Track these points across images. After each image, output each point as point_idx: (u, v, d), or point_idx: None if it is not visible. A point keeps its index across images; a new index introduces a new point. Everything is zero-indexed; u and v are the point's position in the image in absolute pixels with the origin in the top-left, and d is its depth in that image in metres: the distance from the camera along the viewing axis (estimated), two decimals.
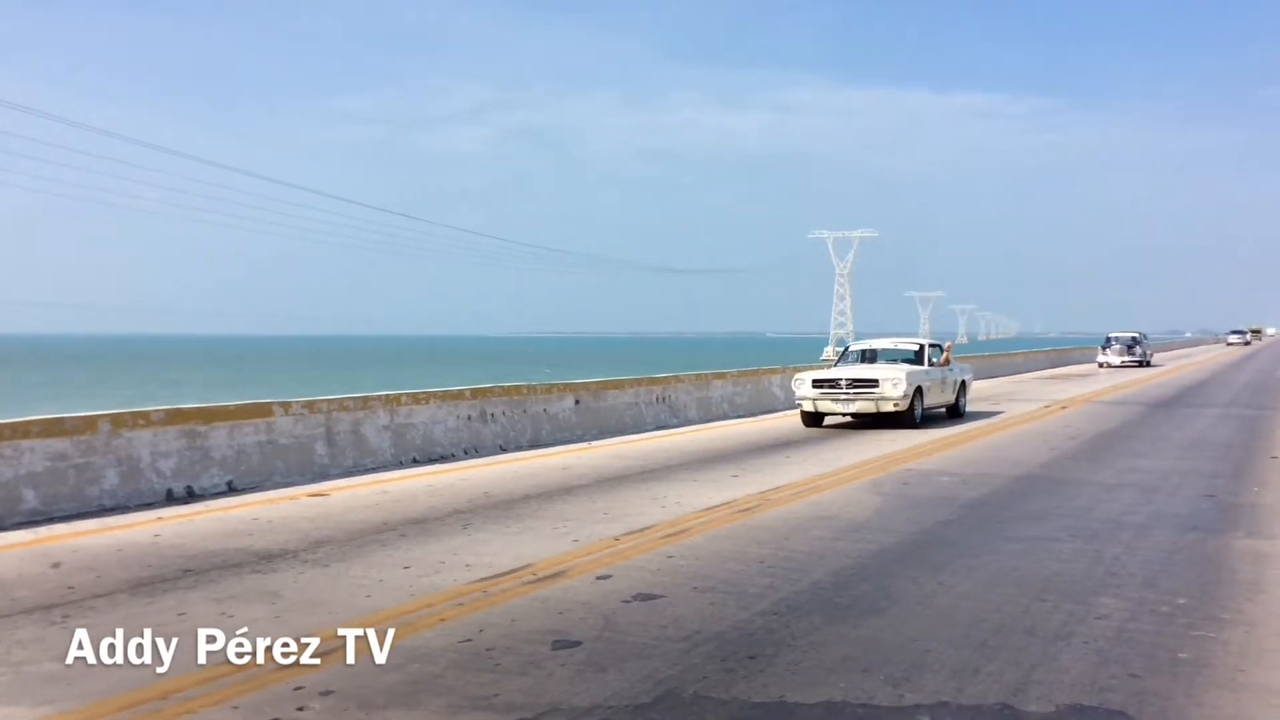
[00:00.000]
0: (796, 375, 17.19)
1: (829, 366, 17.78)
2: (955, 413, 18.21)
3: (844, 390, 16.17)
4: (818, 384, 16.45)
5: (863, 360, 17.94)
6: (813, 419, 16.58)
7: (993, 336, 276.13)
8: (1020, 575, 6.52)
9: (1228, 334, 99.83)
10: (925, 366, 17.12)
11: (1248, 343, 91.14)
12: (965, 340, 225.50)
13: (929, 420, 16.98)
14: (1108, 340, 41.98)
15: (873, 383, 16.09)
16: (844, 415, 16.49)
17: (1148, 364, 40.97)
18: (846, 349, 18.99)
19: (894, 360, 17.59)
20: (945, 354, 18.09)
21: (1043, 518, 8.53)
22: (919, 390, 16.36)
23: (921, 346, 17.91)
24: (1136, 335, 42.10)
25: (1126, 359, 40.17)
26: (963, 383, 18.61)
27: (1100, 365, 40.38)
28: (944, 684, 4.52)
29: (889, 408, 15.88)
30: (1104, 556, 7.08)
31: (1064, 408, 20.30)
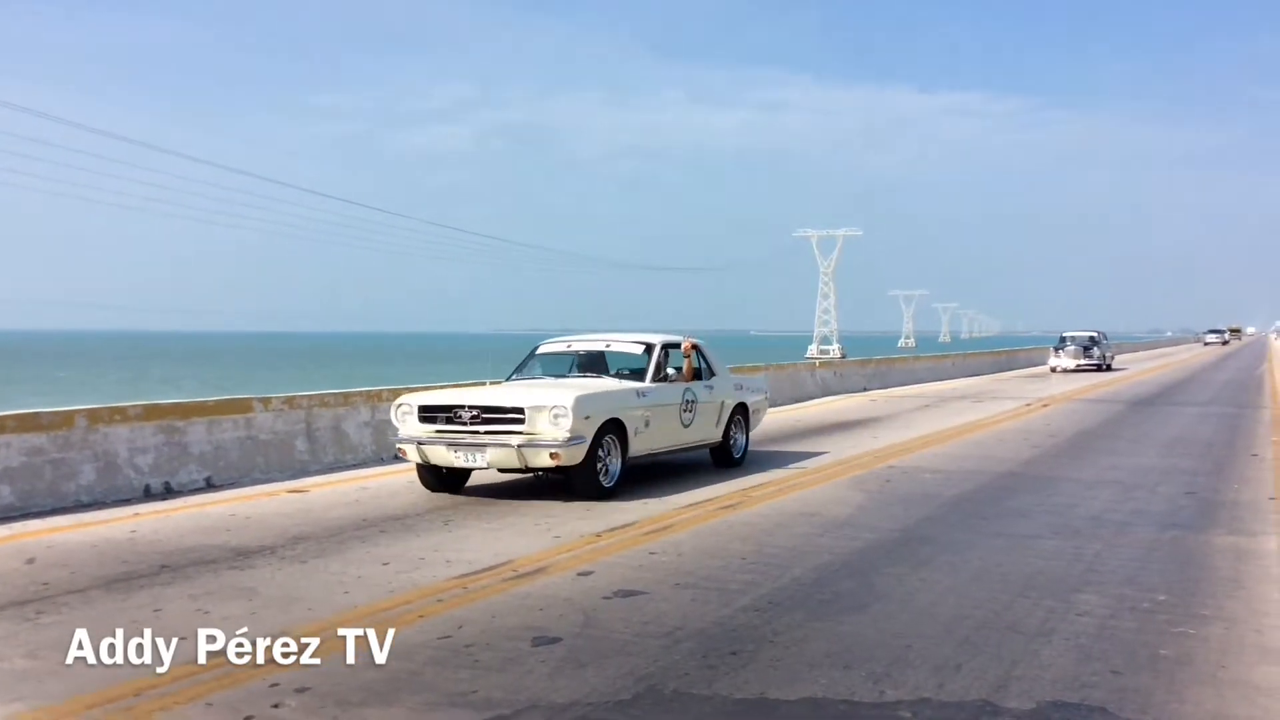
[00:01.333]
0: (401, 399, 9.70)
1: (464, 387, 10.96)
2: (725, 458, 11.27)
3: (467, 427, 9.13)
4: (429, 414, 9.35)
5: (581, 369, 10.89)
6: (434, 478, 9.51)
7: (976, 335, 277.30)
8: (1002, 572, 6.52)
9: (1205, 333, 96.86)
10: (645, 384, 10.10)
11: (1225, 342, 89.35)
12: (948, 339, 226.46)
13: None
14: (1062, 340, 37.73)
15: (515, 415, 9.00)
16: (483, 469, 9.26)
17: (1108, 368, 37.20)
18: (534, 350, 11.31)
19: (620, 370, 10.68)
20: (686, 361, 10.73)
21: (1025, 514, 8.54)
22: (616, 428, 9.36)
23: (649, 347, 10.60)
24: (1095, 334, 37.95)
25: (1083, 362, 36.12)
26: (739, 408, 11.46)
27: (1052, 370, 36.20)
28: (925, 680, 4.50)
29: (543, 461, 8.82)
30: (1085, 553, 7.08)
31: (1045, 405, 20.36)
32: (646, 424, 9.81)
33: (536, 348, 11.37)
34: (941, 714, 4.14)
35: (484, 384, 10.61)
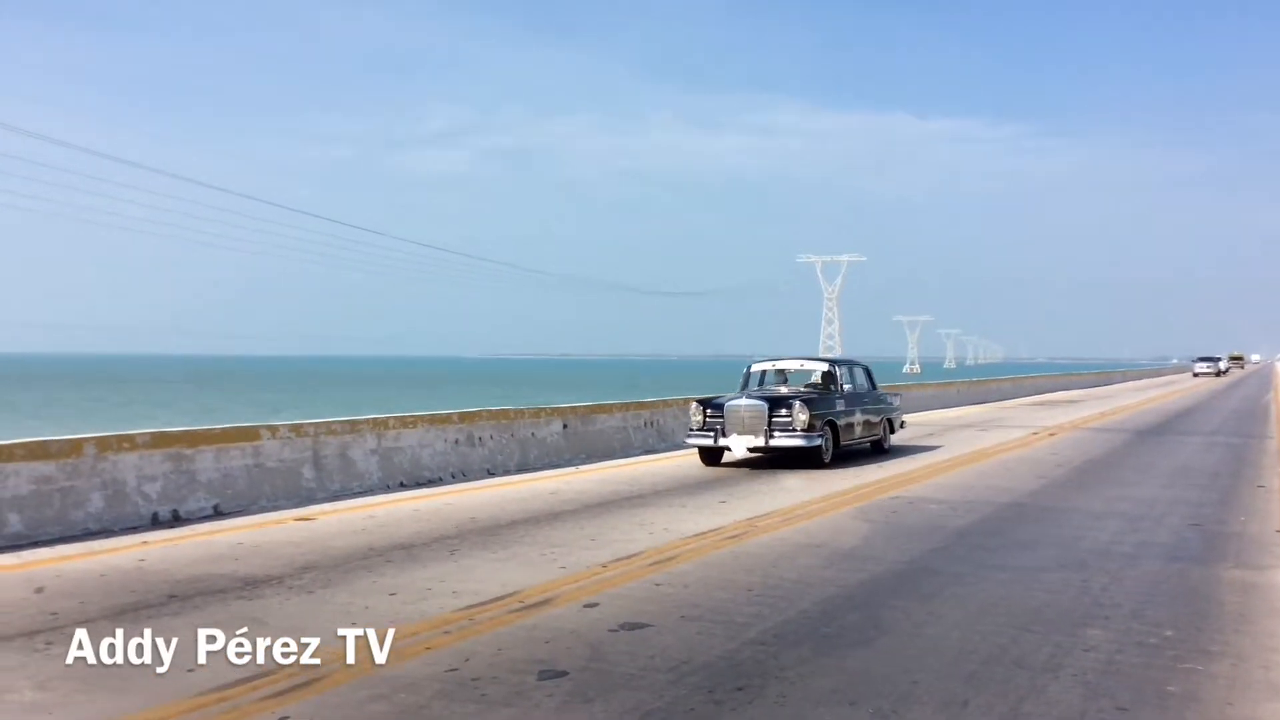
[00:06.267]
0: None
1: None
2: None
3: None
4: None
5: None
6: None
7: (980, 360, 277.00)
8: (1009, 605, 6.51)
9: (1194, 361, 75.59)
10: None
11: (1220, 372, 72.96)
12: (954, 365, 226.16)
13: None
14: (747, 377, 15.89)
15: None
16: None
17: (875, 445, 16.04)
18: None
19: None
20: None
21: (1031, 547, 8.53)
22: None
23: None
24: (830, 368, 15.94)
25: (770, 442, 13.89)
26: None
27: (706, 455, 14.37)
28: (932, 716, 4.50)
29: None
30: (1091, 587, 7.07)
31: (1052, 434, 20.32)
32: None
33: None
34: None
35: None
